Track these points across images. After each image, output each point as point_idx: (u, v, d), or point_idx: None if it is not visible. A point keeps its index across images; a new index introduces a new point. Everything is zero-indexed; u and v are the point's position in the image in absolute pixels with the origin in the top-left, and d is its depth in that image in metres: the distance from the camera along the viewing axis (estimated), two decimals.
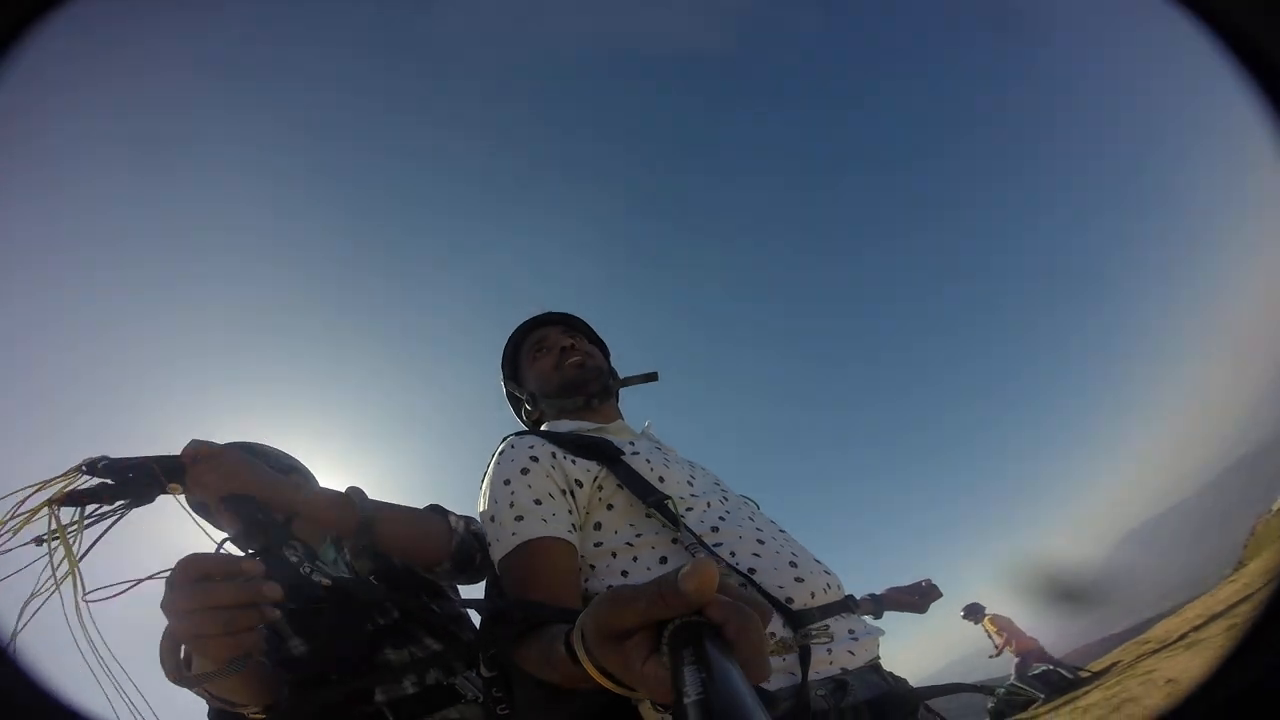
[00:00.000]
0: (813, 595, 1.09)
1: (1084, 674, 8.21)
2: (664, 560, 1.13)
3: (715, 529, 1.17)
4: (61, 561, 1.01)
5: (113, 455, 1.12)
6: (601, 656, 0.60)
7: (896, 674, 1.15)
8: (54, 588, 0.98)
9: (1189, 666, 5.26)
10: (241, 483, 1.14)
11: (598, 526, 1.20)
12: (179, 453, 1.15)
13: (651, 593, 0.53)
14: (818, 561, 1.21)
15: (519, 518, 1.14)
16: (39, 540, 1.01)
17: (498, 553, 1.16)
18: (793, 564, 1.13)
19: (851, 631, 1.10)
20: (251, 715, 1.25)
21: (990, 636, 8.29)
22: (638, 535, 1.17)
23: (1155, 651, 7.14)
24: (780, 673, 0.99)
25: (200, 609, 0.90)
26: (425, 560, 1.35)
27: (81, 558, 1.02)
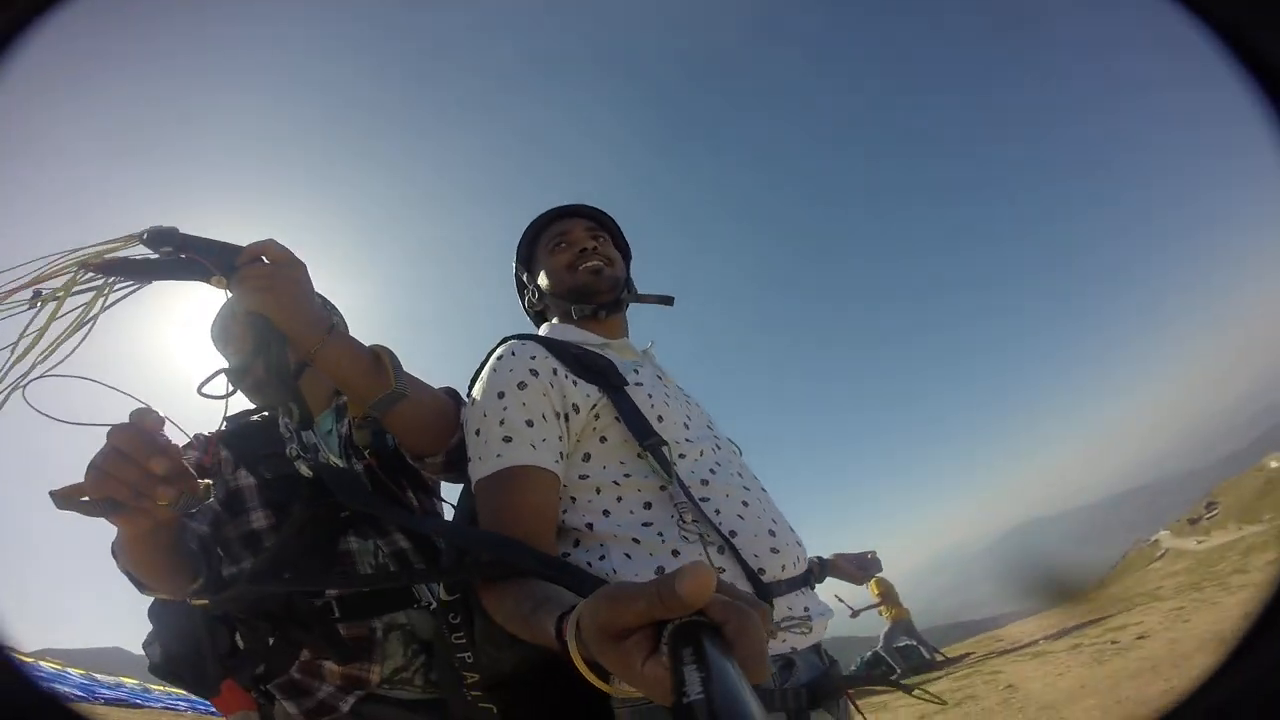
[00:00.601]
0: (783, 568, 1.08)
1: (939, 657, 8.95)
2: (648, 506, 1.09)
3: (705, 482, 1.13)
4: (42, 327, 0.94)
5: (183, 230, 1.04)
6: (600, 654, 0.59)
7: (831, 655, 1.16)
8: (18, 356, 0.92)
9: (1029, 675, 5.70)
10: (274, 305, 1.05)
11: (586, 458, 1.13)
12: (244, 246, 1.07)
13: (650, 594, 0.53)
14: (792, 530, 1.19)
15: (507, 438, 1.08)
16: (35, 298, 0.95)
17: (478, 472, 1.09)
18: (772, 532, 1.11)
19: (808, 609, 1.10)
20: (193, 602, 1.20)
21: (871, 598, 8.80)
22: (626, 475, 1.12)
23: (1005, 652, 7.71)
24: None
25: (104, 476, 0.85)
26: (422, 449, 1.23)
27: (61, 339, 0.95)
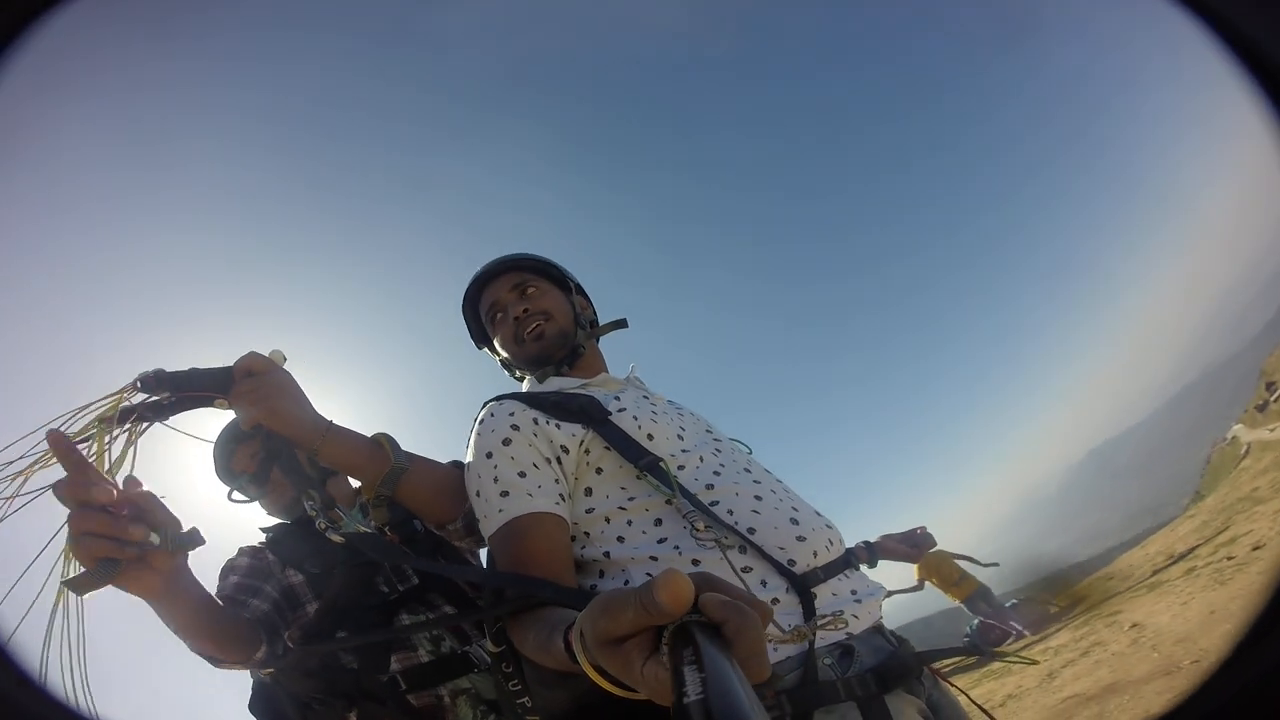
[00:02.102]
0: (815, 554, 1.06)
1: (1053, 609, 8.35)
2: (659, 522, 1.09)
3: (710, 486, 1.12)
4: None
5: (167, 369, 1.11)
6: (603, 659, 0.59)
7: (899, 634, 1.12)
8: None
9: (1152, 611, 5.47)
10: (269, 414, 1.13)
11: (588, 492, 1.14)
12: (233, 364, 1.15)
13: (635, 603, 0.53)
14: (818, 515, 1.16)
15: (504, 493, 1.09)
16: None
17: (486, 530, 1.12)
18: (794, 520, 1.09)
19: (854, 592, 1.07)
20: (261, 673, 1.34)
21: (915, 574, 7.98)
22: (630, 499, 1.12)
23: (1120, 593, 7.40)
24: (784, 643, 0.95)
25: (78, 539, 0.86)
26: (438, 517, 1.29)
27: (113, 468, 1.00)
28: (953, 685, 1.13)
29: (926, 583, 7.71)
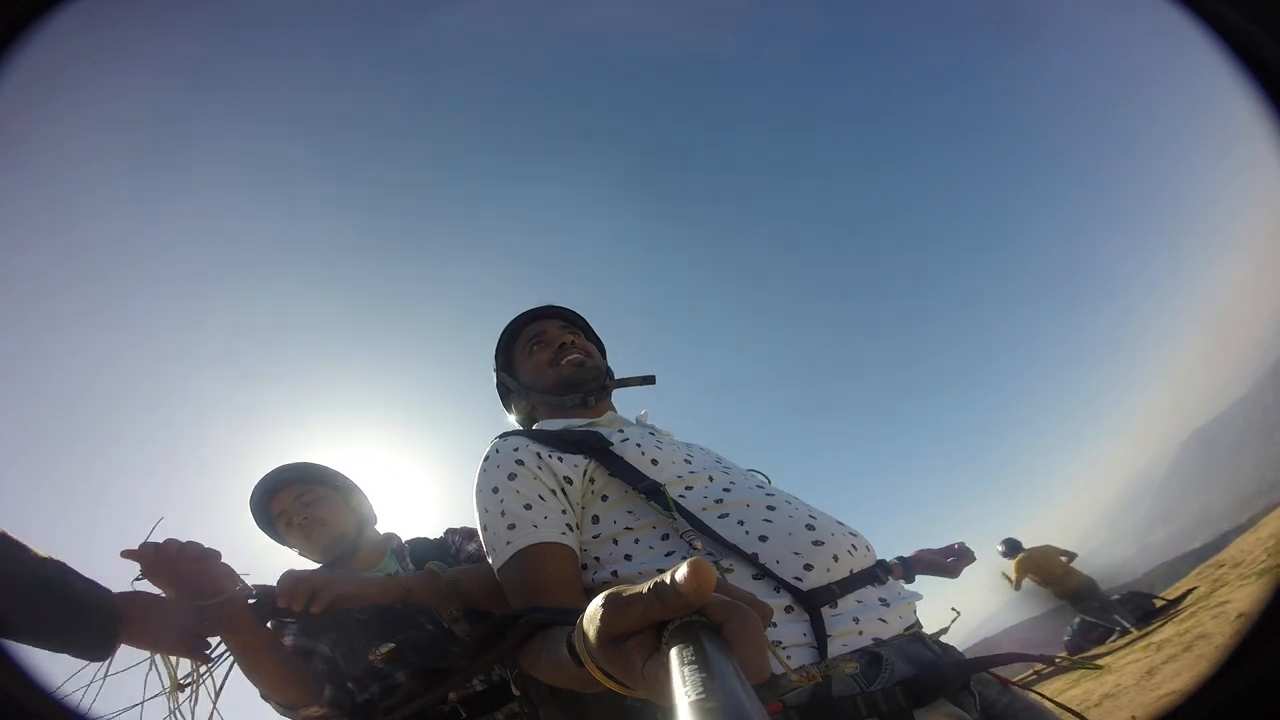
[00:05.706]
0: (835, 559, 0.99)
1: (1158, 602, 7.58)
2: (665, 537, 1.05)
3: (720, 500, 1.09)
4: None
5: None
6: (602, 658, 0.56)
7: (943, 641, 1.02)
8: None
9: (1262, 600, 4.94)
10: (341, 593, 1.19)
11: (595, 519, 1.12)
12: (275, 586, 1.22)
13: (649, 595, 0.51)
14: (841, 524, 1.10)
15: (511, 525, 1.08)
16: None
17: (495, 563, 1.10)
18: (810, 526, 1.04)
19: (884, 600, 0.99)
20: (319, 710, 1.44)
21: (1009, 576, 7.40)
22: (636, 520, 1.09)
23: (1229, 581, 6.71)
24: (797, 647, 0.89)
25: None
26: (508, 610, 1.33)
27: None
28: (1028, 688, 1.00)
29: (1026, 581, 7.34)
